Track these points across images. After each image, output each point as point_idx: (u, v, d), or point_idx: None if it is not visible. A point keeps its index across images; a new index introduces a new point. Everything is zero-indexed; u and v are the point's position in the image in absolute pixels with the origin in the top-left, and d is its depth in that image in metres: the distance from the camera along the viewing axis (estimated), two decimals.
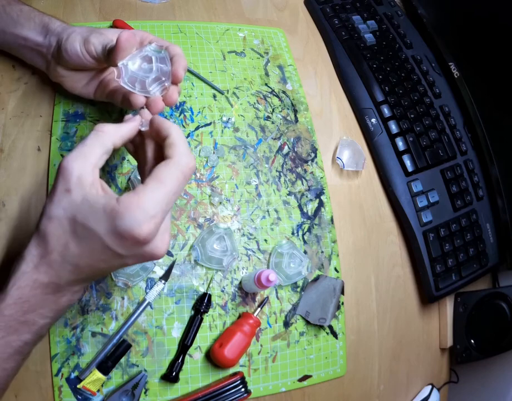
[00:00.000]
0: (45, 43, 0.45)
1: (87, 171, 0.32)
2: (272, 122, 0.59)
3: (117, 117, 0.52)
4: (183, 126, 0.54)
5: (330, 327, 0.53)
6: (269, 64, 0.63)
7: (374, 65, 0.65)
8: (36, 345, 0.37)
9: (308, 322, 0.52)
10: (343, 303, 0.55)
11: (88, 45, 0.41)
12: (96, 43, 0.41)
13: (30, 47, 0.46)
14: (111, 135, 0.34)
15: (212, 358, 0.47)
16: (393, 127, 0.62)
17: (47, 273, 0.33)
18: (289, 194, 0.56)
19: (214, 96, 0.58)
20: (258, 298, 0.51)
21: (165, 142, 0.35)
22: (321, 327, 0.53)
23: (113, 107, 0.53)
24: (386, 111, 0.62)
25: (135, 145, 0.41)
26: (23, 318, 0.33)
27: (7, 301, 0.33)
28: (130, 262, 0.34)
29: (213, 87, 0.58)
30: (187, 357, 0.47)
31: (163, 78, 0.40)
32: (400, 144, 0.61)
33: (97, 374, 0.43)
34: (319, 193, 0.58)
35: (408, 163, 0.60)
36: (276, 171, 0.57)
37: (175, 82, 0.42)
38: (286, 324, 0.51)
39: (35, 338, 0.36)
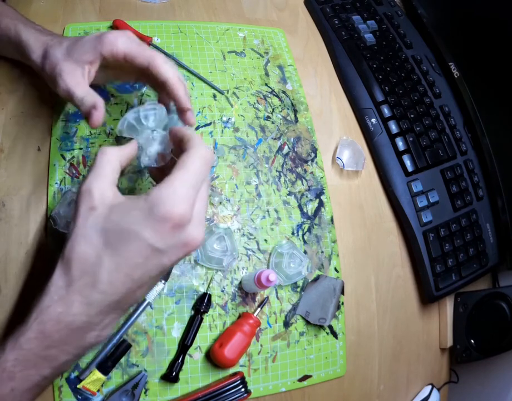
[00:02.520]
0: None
1: (107, 188, 0.33)
2: (272, 122, 0.59)
3: (117, 118, 0.52)
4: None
5: (330, 327, 0.53)
6: (269, 64, 0.63)
7: (374, 66, 0.65)
8: (55, 379, 0.35)
9: (308, 322, 0.52)
10: (343, 303, 0.55)
11: (58, 90, 0.42)
12: (61, 91, 0.41)
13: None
14: (115, 155, 0.35)
15: (212, 358, 0.47)
16: (393, 127, 0.62)
17: (73, 304, 0.32)
18: (289, 194, 0.56)
19: (214, 96, 0.58)
20: (258, 298, 0.51)
21: (182, 143, 0.36)
22: (321, 327, 0.53)
23: (113, 107, 0.53)
24: (386, 111, 0.62)
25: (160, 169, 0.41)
26: (43, 353, 0.32)
27: (28, 335, 0.31)
28: (167, 261, 0.33)
29: (213, 87, 0.58)
30: (187, 357, 0.47)
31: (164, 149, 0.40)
32: (400, 144, 0.61)
33: (97, 374, 0.43)
34: (319, 193, 0.58)
35: (408, 163, 0.60)
36: (276, 171, 0.57)
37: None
38: (286, 324, 0.51)
39: (56, 373, 0.34)
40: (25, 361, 0.31)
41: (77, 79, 0.41)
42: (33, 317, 0.32)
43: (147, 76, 0.43)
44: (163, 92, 0.43)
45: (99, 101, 0.40)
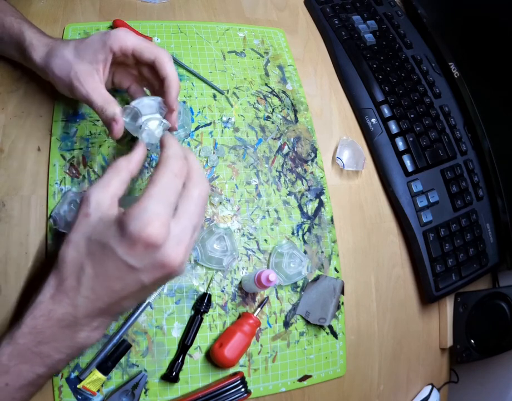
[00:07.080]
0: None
1: (105, 197, 0.34)
2: (272, 122, 0.59)
3: None
4: (183, 126, 0.54)
5: (330, 327, 0.53)
6: (269, 64, 0.63)
7: (374, 66, 0.65)
8: (50, 379, 0.36)
9: (308, 322, 0.52)
10: (343, 303, 0.55)
11: (75, 94, 0.43)
12: (80, 96, 0.42)
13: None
14: (126, 167, 0.36)
15: (212, 358, 0.47)
16: (393, 127, 0.62)
17: (61, 303, 0.33)
18: (289, 194, 0.56)
19: (214, 96, 0.58)
20: (258, 298, 0.51)
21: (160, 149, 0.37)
22: (321, 327, 0.53)
23: None
24: (386, 111, 0.62)
25: None
26: (36, 348, 0.33)
27: (22, 330, 0.33)
28: (145, 279, 0.33)
29: (213, 87, 0.58)
30: (187, 357, 0.47)
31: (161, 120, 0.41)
32: (400, 144, 0.61)
33: (97, 374, 0.43)
34: (319, 193, 0.58)
35: (408, 163, 0.60)
36: (276, 171, 0.57)
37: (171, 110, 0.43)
38: (286, 324, 0.51)
39: (49, 372, 0.35)
40: (19, 356, 0.33)
41: (94, 84, 0.42)
42: (28, 313, 0.34)
43: (144, 79, 0.46)
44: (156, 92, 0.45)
45: (117, 110, 0.41)
